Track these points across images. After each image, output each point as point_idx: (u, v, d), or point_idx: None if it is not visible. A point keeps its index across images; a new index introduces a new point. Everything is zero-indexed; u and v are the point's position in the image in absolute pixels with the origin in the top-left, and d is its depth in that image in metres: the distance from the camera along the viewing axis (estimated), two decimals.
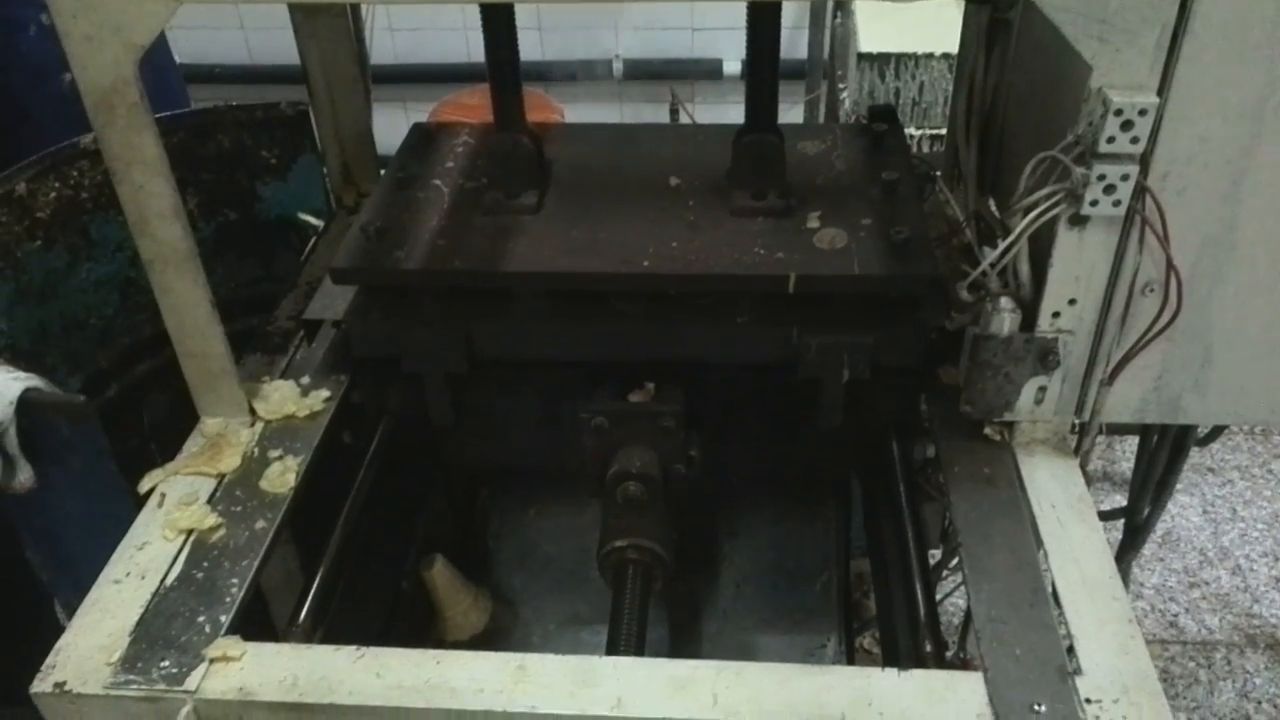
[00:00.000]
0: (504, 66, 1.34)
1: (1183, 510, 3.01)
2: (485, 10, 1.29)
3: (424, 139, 1.57)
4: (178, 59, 2.59)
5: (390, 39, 4.05)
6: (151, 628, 1.04)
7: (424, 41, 4.09)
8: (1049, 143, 1.06)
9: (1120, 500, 1.61)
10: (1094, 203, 1.03)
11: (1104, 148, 1.00)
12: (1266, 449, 3.22)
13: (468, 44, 4.03)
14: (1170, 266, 1.10)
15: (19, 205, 1.52)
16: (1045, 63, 1.26)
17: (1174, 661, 2.61)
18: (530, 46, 3.83)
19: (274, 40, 3.96)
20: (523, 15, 1.28)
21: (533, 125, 1.42)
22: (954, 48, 1.54)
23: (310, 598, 1.16)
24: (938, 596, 1.38)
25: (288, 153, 1.79)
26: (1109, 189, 1.02)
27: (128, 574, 1.10)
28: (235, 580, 1.09)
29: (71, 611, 1.07)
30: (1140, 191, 1.04)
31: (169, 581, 1.09)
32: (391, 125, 2.03)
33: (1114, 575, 1.08)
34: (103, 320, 1.67)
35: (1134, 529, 1.58)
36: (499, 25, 1.31)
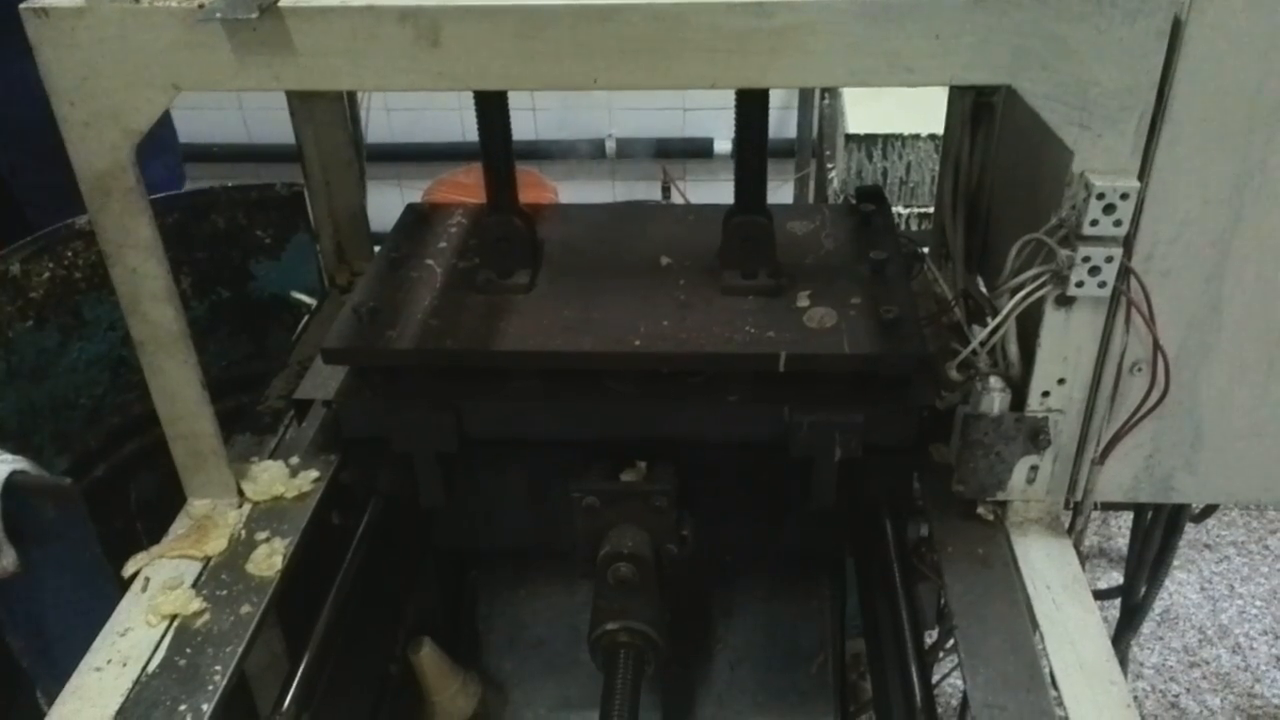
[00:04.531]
0: (497, 149, 1.36)
1: (1180, 587, 2.98)
2: (479, 95, 1.31)
3: (417, 219, 1.58)
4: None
5: (386, 118, 4.12)
6: (131, 717, 1.02)
7: (420, 120, 4.16)
8: (1034, 223, 1.08)
9: (1117, 577, 1.59)
10: (1079, 284, 1.04)
11: (1088, 230, 1.01)
12: (1262, 524, 3.20)
13: (463, 123, 4.10)
14: (1157, 346, 1.10)
15: (12, 285, 1.52)
16: (1028, 145, 1.28)
17: None
18: (524, 126, 3.90)
19: (272, 120, 4.02)
20: (517, 96, 1.30)
21: (525, 205, 1.44)
22: (940, 128, 1.57)
23: (295, 684, 1.14)
24: (935, 676, 1.36)
25: (282, 232, 1.81)
26: (1094, 270, 1.03)
27: (109, 661, 1.08)
28: (219, 667, 1.07)
29: (52, 699, 1.04)
30: (1125, 273, 1.05)
31: (150, 669, 1.07)
32: (387, 203, 2.06)
33: (1111, 659, 1.07)
34: (92, 399, 1.67)
35: (1131, 608, 1.56)
36: (492, 109, 1.33)
